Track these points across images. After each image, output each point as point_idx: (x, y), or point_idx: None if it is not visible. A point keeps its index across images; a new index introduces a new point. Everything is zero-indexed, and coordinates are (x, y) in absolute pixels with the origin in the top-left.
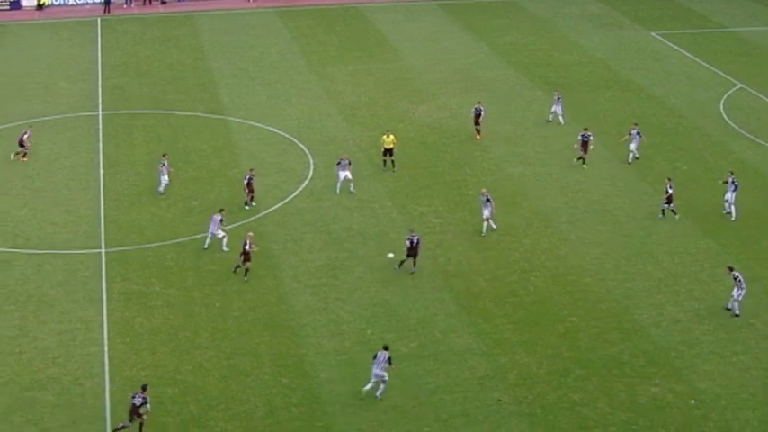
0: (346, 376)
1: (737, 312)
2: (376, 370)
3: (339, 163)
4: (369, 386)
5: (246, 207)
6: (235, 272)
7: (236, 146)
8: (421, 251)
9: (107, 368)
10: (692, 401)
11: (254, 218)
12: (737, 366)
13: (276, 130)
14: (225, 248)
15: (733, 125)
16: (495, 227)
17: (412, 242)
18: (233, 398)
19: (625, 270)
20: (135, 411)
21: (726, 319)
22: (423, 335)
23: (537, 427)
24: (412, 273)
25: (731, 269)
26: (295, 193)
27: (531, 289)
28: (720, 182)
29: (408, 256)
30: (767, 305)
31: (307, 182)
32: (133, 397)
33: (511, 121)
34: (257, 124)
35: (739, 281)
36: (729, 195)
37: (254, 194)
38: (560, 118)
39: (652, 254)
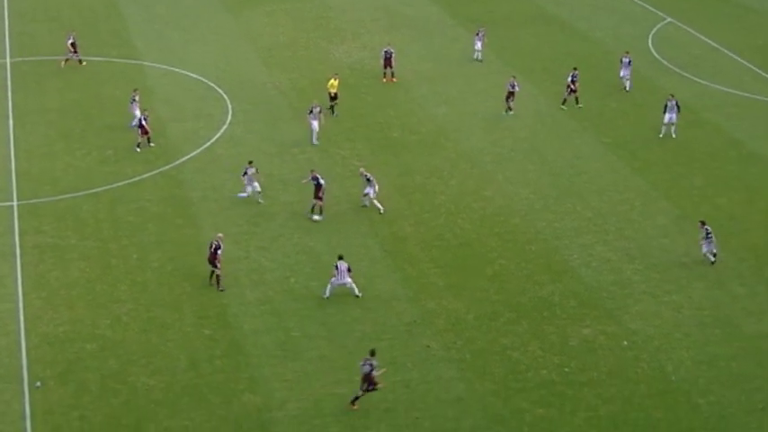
0: (271, 326)
1: (713, 260)
2: (341, 281)
3: (311, 112)
4: (327, 293)
5: (138, 149)
6: (210, 281)
7: (151, 91)
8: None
9: (22, 325)
10: (625, 343)
11: (171, 165)
12: (670, 306)
13: (193, 75)
14: (261, 201)
15: (662, 60)
16: (381, 209)
17: (317, 181)
18: (154, 351)
19: (554, 210)
20: (368, 379)
21: (657, 258)
22: None
23: (467, 372)
24: (316, 220)
25: (703, 223)
26: (213, 139)
27: (458, 232)
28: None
29: (316, 198)
30: (698, 242)
31: (225, 127)
32: (363, 365)
33: (434, 60)
34: (173, 69)
35: (710, 236)
36: (669, 116)
37: (150, 135)
38: (479, 54)
39: (581, 193)
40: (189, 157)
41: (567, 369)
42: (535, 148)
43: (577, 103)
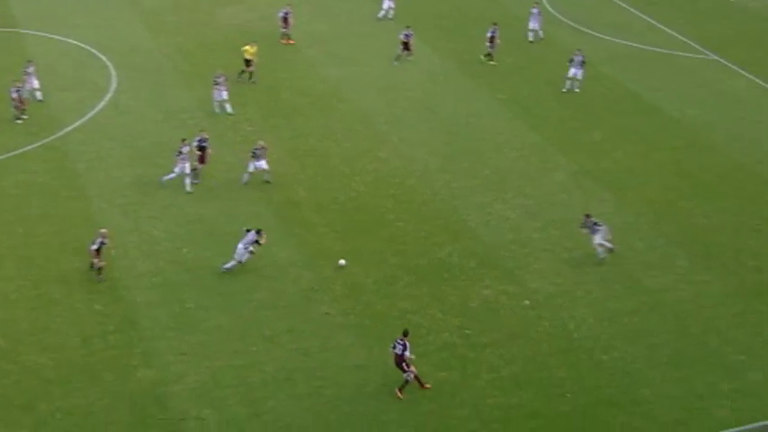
0: (164, 298)
1: (604, 255)
2: (240, 245)
3: (217, 83)
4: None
5: (18, 122)
6: (91, 269)
7: (32, 60)
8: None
9: None
10: (526, 302)
11: (55, 136)
12: (570, 263)
13: (74, 42)
14: (268, 179)
15: (556, 14)
16: (269, 178)
17: (201, 144)
18: (44, 329)
19: (450, 169)
20: (400, 360)
21: (556, 215)
22: None
23: (366, 338)
24: (195, 184)
25: (588, 216)
26: (98, 108)
27: (353, 195)
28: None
29: (200, 162)
30: (597, 198)
31: (110, 95)
32: (394, 347)
33: (324, 20)
34: (54, 36)
35: (598, 226)
36: (574, 71)
37: (24, 107)
38: (389, 12)
39: (478, 151)
40: (73, 127)
41: (468, 331)
42: (430, 108)
43: (489, 58)
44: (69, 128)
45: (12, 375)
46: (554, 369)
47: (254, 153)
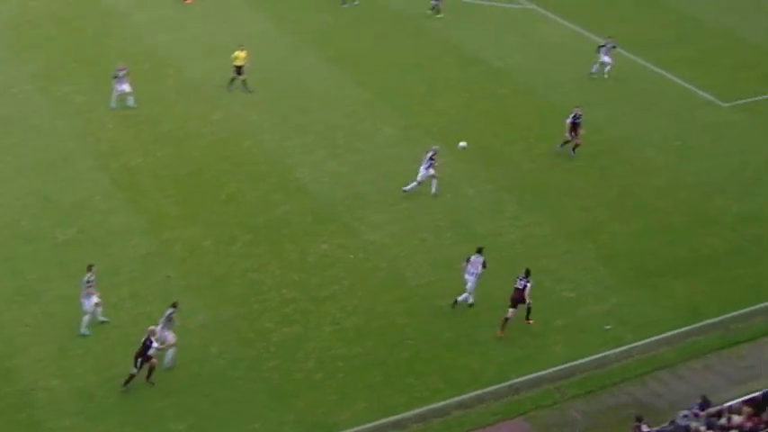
0: (4, 272)
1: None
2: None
3: (117, 76)
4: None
5: None
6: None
7: None
8: None
9: None
10: (351, 256)
11: None
12: (404, 214)
13: None
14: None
15: None
16: None
17: None
18: None
19: (282, 129)
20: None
21: (387, 168)
22: (81, 219)
23: (209, 299)
24: None
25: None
26: None
27: (188, 159)
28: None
29: None
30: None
31: None
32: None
33: None
34: None
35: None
36: None
37: None
38: None
39: (308, 108)
40: None
41: (308, 286)
42: (257, 69)
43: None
44: None
45: None
46: (394, 317)
47: (116, 75)
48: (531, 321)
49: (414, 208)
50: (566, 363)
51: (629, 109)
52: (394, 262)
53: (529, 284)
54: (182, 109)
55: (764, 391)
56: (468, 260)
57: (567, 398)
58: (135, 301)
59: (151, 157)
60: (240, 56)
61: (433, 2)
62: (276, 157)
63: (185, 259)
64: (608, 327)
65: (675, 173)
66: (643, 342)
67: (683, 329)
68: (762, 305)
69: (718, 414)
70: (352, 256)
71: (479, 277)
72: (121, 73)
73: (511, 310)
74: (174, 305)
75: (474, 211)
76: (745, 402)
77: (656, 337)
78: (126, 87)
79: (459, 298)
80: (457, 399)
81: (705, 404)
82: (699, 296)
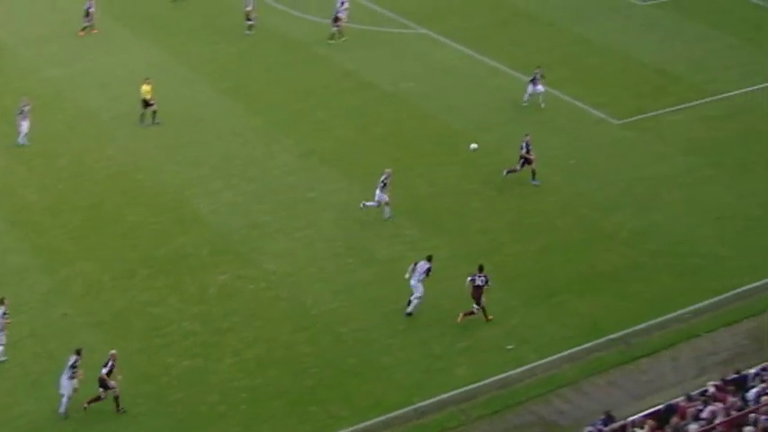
0: None
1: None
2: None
3: (21, 112)
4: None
5: None
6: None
7: None
8: None
9: None
10: (251, 286)
11: None
12: (303, 242)
13: None
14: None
15: (269, 1)
16: None
17: None
18: None
19: (178, 160)
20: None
21: (284, 196)
22: None
23: (109, 335)
24: None
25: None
26: None
27: (84, 194)
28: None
29: None
30: (323, 176)
31: None
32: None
33: (37, 23)
34: None
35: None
36: None
37: None
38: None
39: (202, 140)
40: None
41: (208, 318)
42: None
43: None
44: None
45: None
46: (296, 346)
47: (20, 111)
48: (474, 314)
49: (312, 235)
50: (469, 384)
51: (523, 129)
52: (294, 290)
53: (487, 279)
54: (77, 143)
55: (666, 403)
56: (415, 264)
57: (472, 419)
58: (34, 340)
59: (45, 192)
60: (146, 89)
61: (333, 29)
62: (173, 189)
63: (84, 295)
64: (510, 347)
65: (571, 191)
66: (546, 360)
67: (585, 346)
68: (660, 319)
69: (622, 429)
70: (252, 287)
71: (423, 282)
72: (26, 108)
73: (475, 306)
74: (77, 352)
75: (373, 237)
76: (648, 416)
77: (559, 355)
78: (25, 126)
79: (409, 308)
80: (361, 425)
81: (609, 420)
82: (599, 312)
